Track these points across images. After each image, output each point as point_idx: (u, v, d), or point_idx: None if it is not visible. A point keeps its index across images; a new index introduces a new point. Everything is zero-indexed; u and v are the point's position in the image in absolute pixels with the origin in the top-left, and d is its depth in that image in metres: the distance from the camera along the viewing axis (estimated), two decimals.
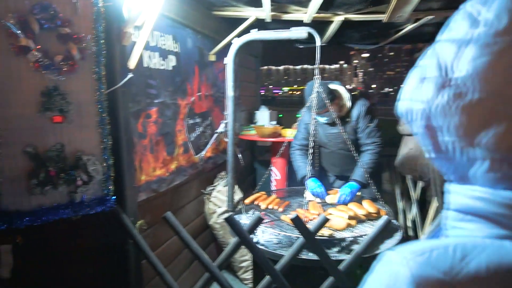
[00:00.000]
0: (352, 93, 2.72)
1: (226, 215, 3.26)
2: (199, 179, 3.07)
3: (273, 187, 4.00)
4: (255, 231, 1.95)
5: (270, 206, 2.48)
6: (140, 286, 2.18)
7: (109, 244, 1.97)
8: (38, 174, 1.58)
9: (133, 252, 2.04)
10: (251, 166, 4.62)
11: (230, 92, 2.56)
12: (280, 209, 2.45)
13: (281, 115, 4.71)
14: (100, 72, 1.71)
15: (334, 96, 2.55)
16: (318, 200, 2.59)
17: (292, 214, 2.35)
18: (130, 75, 1.94)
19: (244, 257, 3.27)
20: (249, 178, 4.59)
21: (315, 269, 2.18)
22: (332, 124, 2.65)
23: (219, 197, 3.17)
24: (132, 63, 1.99)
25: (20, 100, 1.54)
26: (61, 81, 1.63)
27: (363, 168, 2.58)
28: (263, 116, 4.50)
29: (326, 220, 1.87)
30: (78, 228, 1.79)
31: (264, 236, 2.24)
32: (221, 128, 2.75)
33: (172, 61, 2.49)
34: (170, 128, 2.52)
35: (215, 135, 2.93)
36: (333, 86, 2.64)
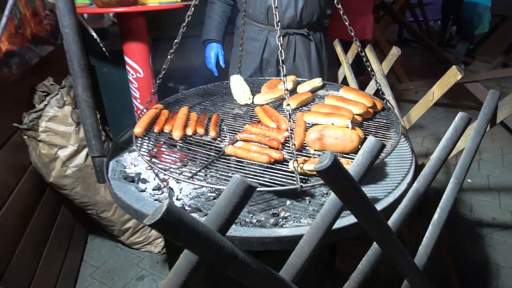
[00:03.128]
0: None
1: (80, 158, 1.73)
2: None
3: (133, 90, 2.51)
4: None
5: (189, 132, 1.19)
6: None
7: None
8: None
9: None
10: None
11: None
12: (213, 133, 1.20)
13: None
14: None
15: None
16: (264, 97, 1.41)
17: (243, 140, 1.14)
18: None
19: (126, 216, 1.98)
20: None
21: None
22: None
23: (55, 129, 1.63)
24: None
25: None
26: None
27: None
28: None
29: (382, 146, 0.72)
30: None
31: (185, 191, 1.07)
32: None
33: None
34: None
35: None
36: None
